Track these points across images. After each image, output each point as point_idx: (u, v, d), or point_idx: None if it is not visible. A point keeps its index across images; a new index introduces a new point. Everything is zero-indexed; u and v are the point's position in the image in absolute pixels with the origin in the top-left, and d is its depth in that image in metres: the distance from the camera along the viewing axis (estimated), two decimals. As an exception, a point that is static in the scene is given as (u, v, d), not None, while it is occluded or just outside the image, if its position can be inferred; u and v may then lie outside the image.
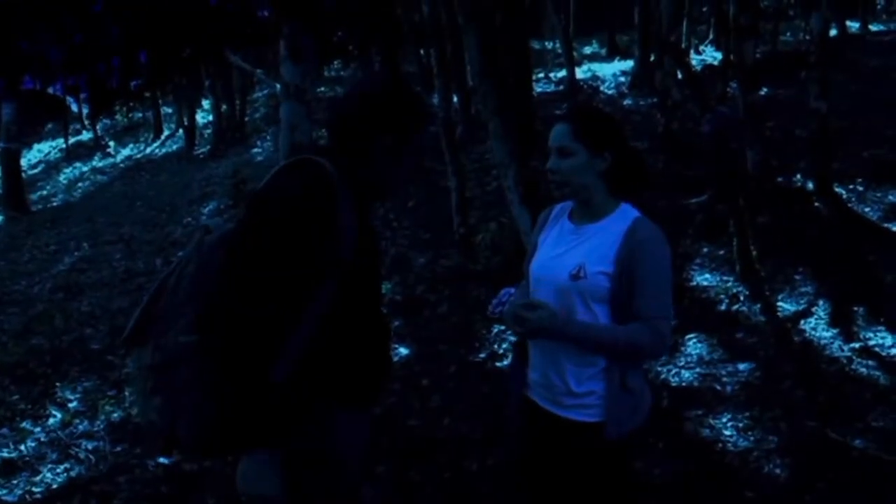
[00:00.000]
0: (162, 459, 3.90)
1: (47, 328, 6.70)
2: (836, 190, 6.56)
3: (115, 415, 4.57)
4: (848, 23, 15.75)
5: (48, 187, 16.67)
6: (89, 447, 4.21)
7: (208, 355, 1.59)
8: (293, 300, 1.60)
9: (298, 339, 1.62)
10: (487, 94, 6.01)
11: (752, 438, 3.48)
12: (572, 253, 1.93)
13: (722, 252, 5.79)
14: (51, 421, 4.61)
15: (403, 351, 5.05)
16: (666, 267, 1.89)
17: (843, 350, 4.29)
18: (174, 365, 1.65)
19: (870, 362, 4.13)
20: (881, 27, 16.48)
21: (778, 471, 3.22)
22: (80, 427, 4.51)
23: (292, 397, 1.64)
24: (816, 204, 6.41)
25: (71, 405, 4.87)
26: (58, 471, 3.94)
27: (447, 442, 3.69)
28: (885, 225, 5.94)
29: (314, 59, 3.54)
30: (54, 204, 14.82)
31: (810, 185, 6.71)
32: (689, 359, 4.39)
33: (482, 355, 4.76)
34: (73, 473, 3.91)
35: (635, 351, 1.89)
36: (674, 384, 4.13)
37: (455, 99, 12.59)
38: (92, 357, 5.75)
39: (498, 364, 4.65)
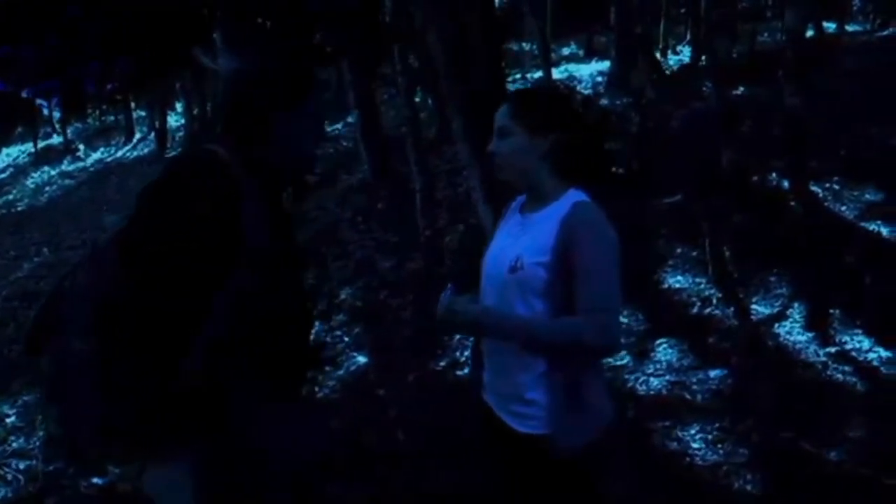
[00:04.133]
0: (96, 479, 3.64)
1: (-3, 338, 6.41)
2: (813, 189, 6.39)
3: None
4: (825, 23, 15.73)
5: (14, 192, 16.32)
6: (21, 466, 3.93)
7: (108, 358, 1.47)
8: (199, 293, 1.50)
9: (207, 334, 1.52)
10: (451, 94, 5.81)
11: (721, 451, 3.27)
12: (515, 244, 1.79)
13: (695, 253, 5.61)
14: (-16, 438, 4.34)
15: (361, 360, 4.82)
16: (607, 253, 1.69)
17: (818, 355, 4.10)
18: (71, 372, 1.54)
19: (846, 367, 3.94)
20: (857, 27, 16.47)
21: (749, 487, 3.01)
22: (15, 444, 4.23)
23: (203, 394, 1.52)
24: (792, 203, 6.23)
25: (9, 420, 4.59)
26: (-18, 493, 3.66)
27: (401, 458, 3.45)
28: (862, 224, 5.77)
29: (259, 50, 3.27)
30: (19, 209, 14.48)
31: (786, 184, 6.54)
32: (658, 365, 4.18)
33: (443, 363, 4.53)
34: (-2, 495, 3.64)
35: (576, 347, 1.69)
36: (641, 393, 3.93)
37: (430, 100, 12.42)
38: (38, 369, 5.45)
39: (459, 373, 4.42)
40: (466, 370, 4.42)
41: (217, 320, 1.51)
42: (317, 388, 4.47)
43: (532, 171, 1.78)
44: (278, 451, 1.62)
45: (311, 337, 1.81)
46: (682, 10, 18.75)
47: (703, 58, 11.98)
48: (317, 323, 5.63)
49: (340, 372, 4.69)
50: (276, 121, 1.61)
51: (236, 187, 1.51)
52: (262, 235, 1.53)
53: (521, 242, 1.76)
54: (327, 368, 4.72)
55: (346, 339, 5.24)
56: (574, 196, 1.76)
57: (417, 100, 13.07)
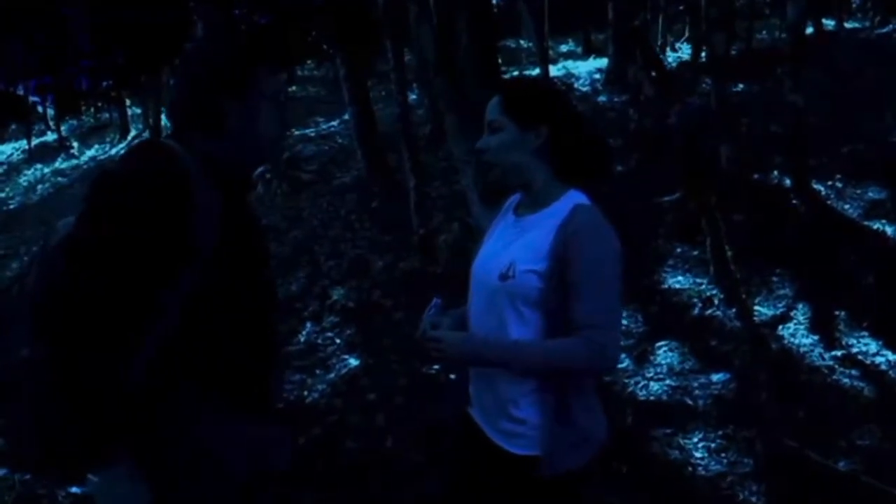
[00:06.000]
0: (74, 489, 3.50)
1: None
2: (815, 187, 6.27)
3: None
4: (824, 21, 15.60)
5: (7, 190, 16.13)
6: (-3, 475, 3.79)
7: (51, 362, 1.35)
8: (146, 291, 1.39)
9: (154, 336, 1.41)
10: (443, 90, 5.67)
11: (725, 461, 3.12)
12: (507, 249, 1.62)
13: (696, 252, 5.47)
14: (-41, 446, 4.18)
15: (353, 362, 4.67)
16: (608, 263, 1.53)
17: (823, 358, 3.97)
18: (17, 379, 1.43)
19: (853, 372, 3.80)
20: (856, 24, 16.35)
21: (753, 498, 2.86)
22: (-8, 451, 4.08)
23: (152, 399, 1.41)
24: (794, 201, 6.11)
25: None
26: (-46, 504, 3.51)
27: (386, 466, 3.30)
28: (866, 223, 5.64)
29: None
30: (11, 207, 14.30)
31: (788, 182, 6.42)
32: (658, 369, 4.04)
33: (436, 367, 4.37)
34: (-30, 507, 3.48)
35: (570, 370, 1.54)
36: (641, 398, 3.78)
37: (426, 98, 12.25)
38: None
39: (452, 376, 4.27)
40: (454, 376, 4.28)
41: (164, 323, 1.40)
42: (306, 392, 4.32)
43: (525, 168, 1.63)
44: (231, 460, 1.49)
45: (276, 347, 1.67)
46: (681, 8, 18.61)
47: (703, 54, 11.87)
48: (308, 324, 5.49)
49: (331, 375, 4.54)
50: (229, 109, 1.49)
51: (187, 182, 1.39)
52: (212, 235, 1.42)
53: (514, 247, 1.60)
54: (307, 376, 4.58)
55: (338, 340, 5.10)
56: (574, 198, 1.60)
57: (414, 97, 12.95)
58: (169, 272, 1.39)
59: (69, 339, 1.33)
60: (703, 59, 11.33)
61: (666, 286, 5.15)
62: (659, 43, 16.05)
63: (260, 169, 10.31)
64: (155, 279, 1.38)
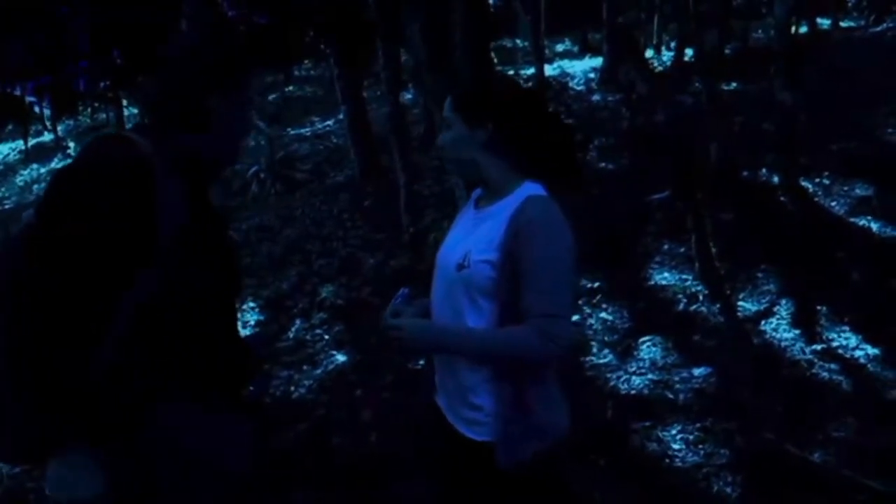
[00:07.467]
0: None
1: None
2: (803, 184, 6.30)
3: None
4: (819, 19, 15.65)
5: (3, 190, 16.17)
6: (-15, 470, 3.82)
7: (9, 355, 1.38)
8: (99, 287, 1.40)
9: (116, 331, 1.43)
10: (434, 88, 5.71)
11: (702, 453, 3.16)
12: (465, 240, 1.69)
13: (683, 249, 5.50)
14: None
15: (340, 358, 4.70)
16: (557, 253, 1.57)
17: (804, 353, 4.00)
18: None
19: (832, 365, 3.84)
20: (851, 23, 16.39)
21: (728, 489, 2.90)
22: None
23: (113, 391, 1.44)
24: (782, 198, 6.14)
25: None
26: (-58, 499, 3.55)
27: (372, 462, 3.34)
28: (852, 220, 5.67)
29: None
30: (7, 207, 14.33)
31: (776, 179, 6.45)
32: (641, 364, 4.08)
33: (422, 362, 4.41)
34: (-42, 502, 3.52)
35: (522, 358, 1.58)
36: (622, 392, 3.82)
37: (421, 97, 12.28)
38: None
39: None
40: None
41: (125, 318, 1.41)
42: (293, 388, 4.36)
43: (477, 162, 1.70)
44: (199, 457, 1.52)
45: (241, 348, 1.69)
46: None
47: (690, 53, 11.89)
48: (297, 321, 5.53)
49: (318, 371, 4.58)
50: (216, 107, 1.51)
51: (146, 173, 1.41)
52: (176, 232, 1.43)
53: (471, 238, 1.67)
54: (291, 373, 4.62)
55: (326, 337, 5.14)
56: (528, 189, 1.66)
57: (409, 97, 12.98)
58: (128, 266, 1.40)
59: (26, 332, 1.35)
60: (691, 58, 11.37)
61: (652, 282, 5.19)
62: (654, 42, 16.08)
63: (254, 168, 10.37)
64: (113, 273, 1.39)
